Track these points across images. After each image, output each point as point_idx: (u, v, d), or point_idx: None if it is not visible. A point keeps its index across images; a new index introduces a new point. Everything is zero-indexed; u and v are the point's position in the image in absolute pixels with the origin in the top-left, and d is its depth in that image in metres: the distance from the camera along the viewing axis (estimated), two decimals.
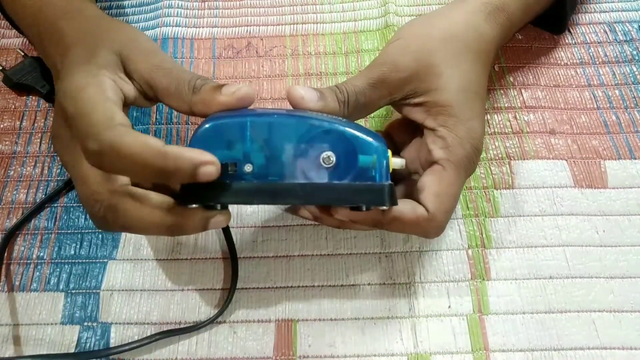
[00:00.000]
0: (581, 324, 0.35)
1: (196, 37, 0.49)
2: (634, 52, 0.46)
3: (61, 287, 0.38)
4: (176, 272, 0.38)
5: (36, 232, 0.40)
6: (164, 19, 0.49)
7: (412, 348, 0.35)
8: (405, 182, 0.36)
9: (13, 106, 0.46)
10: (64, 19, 0.34)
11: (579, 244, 0.38)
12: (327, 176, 0.30)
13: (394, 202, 0.31)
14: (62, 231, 0.40)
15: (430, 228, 0.33)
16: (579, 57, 0.46)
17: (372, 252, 0.38)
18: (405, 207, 0.32)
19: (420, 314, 0.36)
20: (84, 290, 0.38)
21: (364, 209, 0.31)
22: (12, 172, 0.42)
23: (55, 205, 0.41)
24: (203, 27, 0.49)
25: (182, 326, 0.36)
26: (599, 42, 0.47)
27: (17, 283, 0.38)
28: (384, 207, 0.31)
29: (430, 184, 0.33)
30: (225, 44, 0.48)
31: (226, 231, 0.38)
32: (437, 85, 0.34)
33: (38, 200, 0.41)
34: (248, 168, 0.29)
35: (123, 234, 0.39)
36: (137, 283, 0.38)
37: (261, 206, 0.40)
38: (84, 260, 0.39)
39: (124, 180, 0.30)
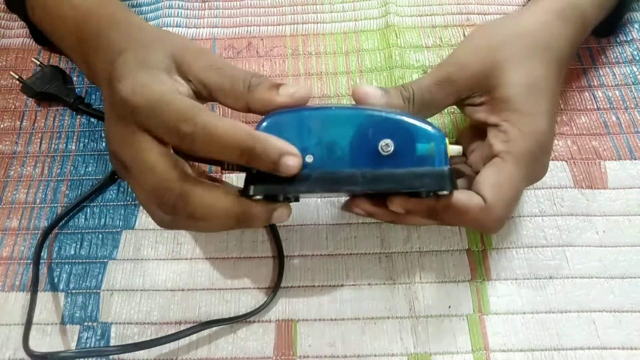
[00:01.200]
0: (581, 324, 0.35)
1: (196, 37, 0.49)
2: (634, 53, 0.46)
3: (61, 287, 0.38)
4: (176, 272, 0.38)
5: (36, 232, 0.40)
6: (164, 19, 0.49)
7: (412, 348, 0.35)
8: (468, 181, 0.35)
9: (13, 106, 0.46)
10: (111, 27, 0.35)
11: (579, 244, 0.38)
12: (386, 164, 0.30)
13: (454, 187, 0.31)
14: (62, 231, 0.40)
15: (489, 220, 0.32)
16: (579, 57, 0.46)
17: (372, 252, 0.38)
18: (461, 196, 0.32)
19: (420, 314, 0.36)
20: (84, 290, 0.38)
21: (424, 195, 0.32)
22: (12, 172, 0.42)
23: (55, 205, 0.41)
24: (203, 27, 0.49)
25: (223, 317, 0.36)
26: (599, 43, 0.47)
27: (17, 283, 0.38)
28: (445, 192, 0.31)
29: (488, 174, 0.33)
30: (226, 44, 0.48)
31: (274, 230, 0.39)
32: (501, 81, 0.33)
33: (37, 199, 0.41)
34: (309, 159, 0.30)
35: (123, 233, 0.39)
36: (137, 283, 0.38)
37: None
38: (84, 260, 0.39)
39: (191, 170, 0.31)
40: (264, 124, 0.31)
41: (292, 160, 0.29)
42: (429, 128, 0.31)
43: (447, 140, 0.31)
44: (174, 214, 0.30)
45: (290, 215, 0.32)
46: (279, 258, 0.38)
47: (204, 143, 0.29)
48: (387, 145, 0.30)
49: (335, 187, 0.30)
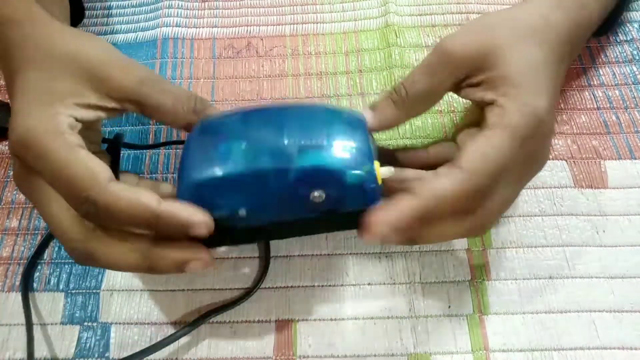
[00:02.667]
0: (581, 324, 0.35)
1: (196, 37, 0.49)
2: (634, 52, 0.46)
3: (61, 287, 0.38)
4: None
5: (36, 232, 0.40)
6: (164, 19, 0.49)
7: (412, 348, 0.35)
8: None
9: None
10: (12, 29, 0.30)
11: (579, 244, 0.38)
12: (321, 207, 0.29)
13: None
14: None
15: (469, 193, 0.28)
16: (579, 57, 0.46)
17: (372, 252, 0.38)
18: (437, 178, 0.28)
19: (420, 314, 0.36)
20: (84, 290, 0.38)
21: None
22: (12, 172, 0.42)
23: None
24: (203, 27, 0.49)
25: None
26: (599, 42, 0.47)
27: (17, 283, 0.38)
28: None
29: (472, 144, 0.29)
30: (225, 44, 0.48)
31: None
32: (500, 59, 0.31)
33: None
34: (242, 213, 0.29)
35: None
36: (137, 283, 0.38)
37: None
38: None
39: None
40: (184, 183, 0.30)
41: (199, 229, 0.28)
42: (356, 159, 0.29)
43: (376, 168, 0.29)
44: (84, 263, 0.30)
45: (210, 265, 0.30)
46: (265, 251, 0.38)
47: (105, 218, 0.28)
48: (319, 197, 0.29)
49: (273, 237, 0.32)
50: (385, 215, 0.28)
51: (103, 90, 0.30)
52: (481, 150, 0.28)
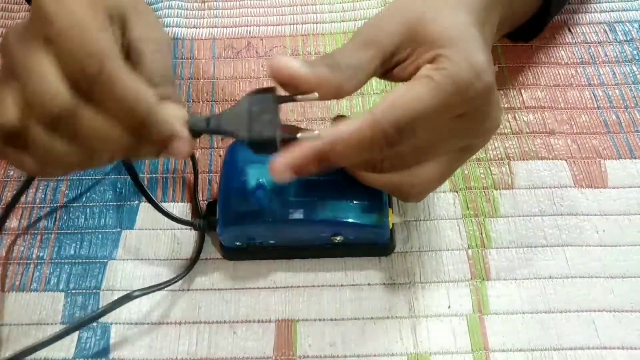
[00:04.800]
0: (581, 324, 0.35)
1: (196, 38, 0.49)
2: (634, 52, 0.46)
3: (61, 287, 0.38)
4: (176, 271, 0.38)
5: (36, 232, 0.40)
6: (164, 19, 0.49)
7: (412, 348, 0.35)
8: None
9: None
10: None
11: (579, 244, 0.38)
12: (338, 245, 0.36)
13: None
14: (62, 231, 0.40)
15: (379, 139, 0.27)
16: (579, 56, 0.46)
17: None
18: (345, 121, 0.28)
19: (420, 314, 0.36)
20: (84, 290, 0.38)
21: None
22: (12, 172, 0.42)
23: (55, 205, 0.41)
24: (203, 28, 0.49)
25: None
26: (599, 42, 0.47)
27: (17, 283, 0.38)
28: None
29: (388, 94, 0.28)
30: (225, 44, 0.48)
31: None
32: (427, 26, 0.29)
33: (37, 199, 0.41)
34: (271, 242, 0.37)
35: (123, 233, 0.39)
36: (137, 283, 0.38)
37: None
38: (84, 260, 0.39)
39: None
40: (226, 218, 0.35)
41: (181, 146, 0.27)
42: (373, 211, 0.34)
43: (390, 220, 0.35)
44: (52, 130, 0.26)
45: (189, 151, 0.28)
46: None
47: (103, 92, 0.25)
48: (339, 239, 0.35)
49: (291, 256, 0.38)
50: (285, 157, 0.28)
51: (122, 27, 0.29)
52: (392, 97, 0.27)
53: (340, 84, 0.28)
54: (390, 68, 0.31)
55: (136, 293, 0.35)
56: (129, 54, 0.29)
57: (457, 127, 0.29)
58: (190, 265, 0.37)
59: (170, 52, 0.32)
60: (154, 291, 0.36)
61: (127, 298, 0.34)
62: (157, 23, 0.32)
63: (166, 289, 0.37)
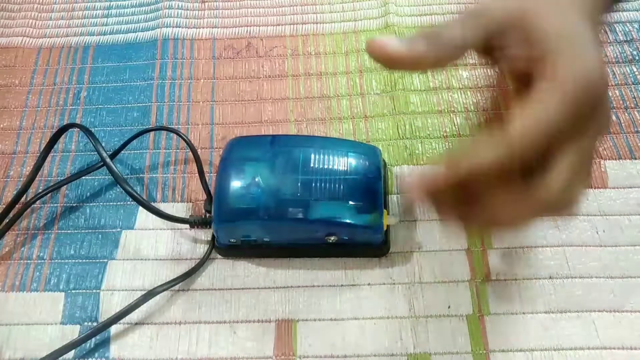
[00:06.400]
0: (581, 324, 0.35)
1: (196, 38, 0.49)
2: (634, 53, 0.46)
3: (61, 287, 0.38)
4: (176, 272, 0.38)
5: (36, 232, 0.40)
6: (164, 20, 0.49)
7: (412, 348, 0.35)
8: None
9: (13, 106, 0.46)
10: None
11: (579, 244, 0.38)
12: (332, 244, 0.36)
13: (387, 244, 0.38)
14: (62, 231, 0.40)
15: (513, 159, 0.26)
16: None
17: None
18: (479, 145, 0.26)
19: (420, 314, 0.36)
20: (84, 290, 0.38)
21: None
22: (12, 172, 0.42)
23: (55, 205, 0.41)
24: (203, 28, 0.49)
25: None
26: None
27: (17, 283, 0.38)
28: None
29: (517, 109, 0.26)
30: (225, 44, 0.48)
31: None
32: (537, 25, 0.28)
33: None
34: (266, 239, 0.36)
35: (123, 233, 0.39)
36: (137, 283, 0.38)
37: None
38: (84, 260, 0.39)
39: None
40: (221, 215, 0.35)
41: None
42: (368, 211, 0.34)
43: (384, 221, 0.35)
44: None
45: None
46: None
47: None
48: (333, 239, 0.35)
49: (287, 255, 0.38)
50: (417, 180, 0.27)
51: None
52: (531, 113, 0.26)
53: (437, 58, 0.28)
54: (490, 48, 0.29)
55: (158, 289, 0.36)
56: None
57: (585, 132, 0.28)
58: (205, 257, 0.38)
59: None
60: (175, 284, 0.37)
61: (150, 294, 0.36)
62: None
63: (166, 289, 0.37)
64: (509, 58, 0.29)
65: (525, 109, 0.26)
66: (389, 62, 0.28)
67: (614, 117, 0.43)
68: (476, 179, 0.27)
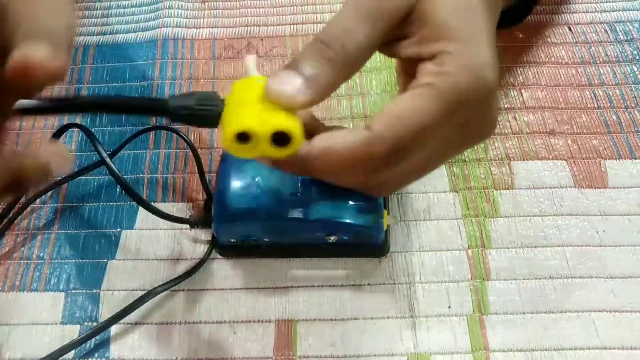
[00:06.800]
0: (581, 324, 0.35)
1: (196, 38, 0.49)
2: (635, 52, 0.46)
3: (61, 287, 0.38)
4: (175, 272, 0.38)
5: (36, 232, 0.40)
6: (164, 19, 0.49)
7: (412, 348, 0.35)
8: None
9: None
10: None
11: (579, 244, 0.38)
12: (332, 244, 0.36)
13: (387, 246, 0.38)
14: (62, 231, 0.40)
15: (375, 159, 0.24)
16: (580, 56, 0.46)
17: None
18: (339, 133, 0.25)
19: (420, 314, 0.36)
20: (84, 290, 0.38)
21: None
22: None
23: (55, 205, 0.41)
24: (203, 28, 0.49)
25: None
26: (599, 42, 0.47)
27: (17, 283, 0.38)
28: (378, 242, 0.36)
29: (388, 107, 0.25)
30: (225, 44, 0.48)
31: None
32: (434, 3, 0.26)
33: (37, 199, 0.41)
34: (266, 239, 0.37)
35: (123, 233, 0.39)
36: (137, 283, 0.38)
37: None
38: (84, 260, 0.39)
39: None
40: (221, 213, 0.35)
41: (58, 163, 0.24)
42: (368, 212, 0.34)
43: (384, 221, 0.34)
44: None
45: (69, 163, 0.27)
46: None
47: None
48: (333, 239, 0.35)
49: (287, 255, 0.38)
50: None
51: None
52: (396, 112, 0.24)
53: (339, 84, 0.26)
54: (388, 41, 0.27)
55: (158, 289, 0.36)
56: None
57: (455, 137, 0.27)
58: (205, 257, 0.38)
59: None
60: (175, 284, 0.37)
61: (150, 294, 0.36)
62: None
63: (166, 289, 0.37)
64: (401, 45, 0.27)
65: (395, 104, 0.25)
66: (298, 108, 0.25)
67: (614, 117, 0.43)
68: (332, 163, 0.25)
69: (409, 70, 0.27)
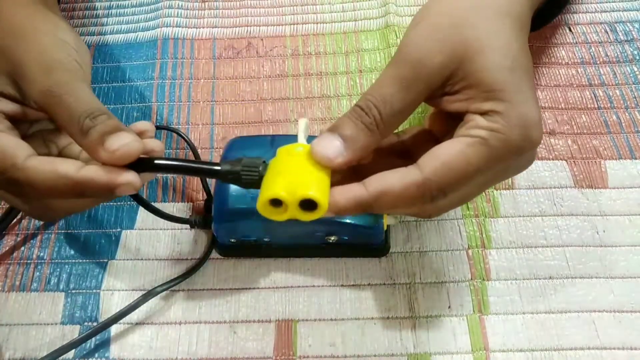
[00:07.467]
0: (581, 324, 0.35)
1: (196, 38, 0.49)
2: (635, 52, 0.46)
3: (61, 287, 0.38)
4: (175, 272, 0.38)
5: (36, 232, 0.40)
6: (164, 19, 0.49)
7: (412, 348, 0.35)
8: None
9: None
10: None
11: (579, 244, 0.38)
12: (332, 243, 0.36)
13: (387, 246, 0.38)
14: (62, 231, 0.40)
15: (425, 197, 0.27)
16: (580, 56, 0.46)
17: None
18: (392, 175, 0.27)
19: (420, 314, 0.36)
20: (84, 290, 0.38)
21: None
22: None
23: None
24: (203, 28, 0.49)
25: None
26: (600, 42, 0.47)
27: (17, 283, 0.38)
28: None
29: (439, 150, 0.27)
30: (226, 44, 0.48)
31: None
32: (480, 64, 0.27)
33: None
34: (266, 239, 0.37)
35: (123, 233, 0.39)
36: (137, 283, 0.38)
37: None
38: (84, 260, 0.39)
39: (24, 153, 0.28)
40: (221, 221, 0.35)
41: (125, 188, 0.28)
42: (370, 220, 0.34)
43: (384, 221, 0.35)
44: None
45: (140, 185, 0.29)
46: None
47: (30, 193, 0.28)
48: (333, 239, 0.36)
49: (287, 255, 0.38)
50: (334, 201, 0.27)
51: (19, 90, 0.30)
52: (447, 160, 0.26)
53: (376, 144, 0.28)
54: (434, 97, 0.29)
55: (158, 289, 0.36)
56: (45, 97, 0.29)
57: (497, 176, 0.29)
58: (205, 257, 0.38)
59: (86, 75, 0.31)
60: (175, 284, 0.37)
61: (150, 294, 0.36)
62: (55, 42, 0.31)
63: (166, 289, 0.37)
64: (448, 100, 0.29)
65: (446, 150, 0.27)
66: (340, 169, 0.28)
67: (614, 117, 0.43)
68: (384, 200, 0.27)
69: (447, 113, 0.29)
